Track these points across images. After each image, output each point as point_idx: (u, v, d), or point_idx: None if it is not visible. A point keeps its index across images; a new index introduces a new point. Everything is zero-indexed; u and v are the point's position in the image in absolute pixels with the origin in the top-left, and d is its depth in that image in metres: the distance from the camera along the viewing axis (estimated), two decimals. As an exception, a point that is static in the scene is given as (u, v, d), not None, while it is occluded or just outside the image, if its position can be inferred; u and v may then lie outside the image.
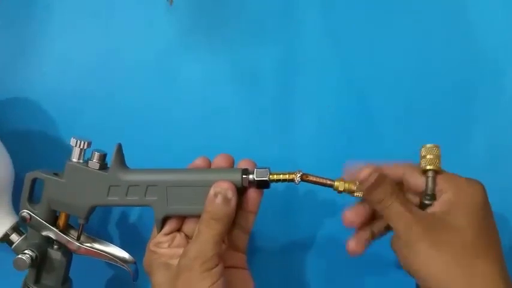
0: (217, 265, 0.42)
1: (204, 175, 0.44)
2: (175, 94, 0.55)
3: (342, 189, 0.43)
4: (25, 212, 0.47)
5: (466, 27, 0.54)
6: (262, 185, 0.44)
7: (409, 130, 0.54)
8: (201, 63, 0.55)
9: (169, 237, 0.46)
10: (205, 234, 0.42)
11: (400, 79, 0.54)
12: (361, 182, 0.42)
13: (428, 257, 0.38)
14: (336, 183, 0.43)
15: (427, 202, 0.41)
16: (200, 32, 0.56)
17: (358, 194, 0.43)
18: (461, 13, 0.54)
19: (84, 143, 0.46)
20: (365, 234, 0.45)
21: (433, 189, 0.41)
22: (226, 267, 0.45)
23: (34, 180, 0.48)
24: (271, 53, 0.55)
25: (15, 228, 0.49)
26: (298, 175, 0.44)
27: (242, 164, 0.46)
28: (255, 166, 0.45)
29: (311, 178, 0.44)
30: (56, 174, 0.47)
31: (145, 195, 0.45)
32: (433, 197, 0.41)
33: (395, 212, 0.40)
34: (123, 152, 0.46)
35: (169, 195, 0.44)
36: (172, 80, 0.55)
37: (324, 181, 0.44)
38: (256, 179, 0.44)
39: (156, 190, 0.44)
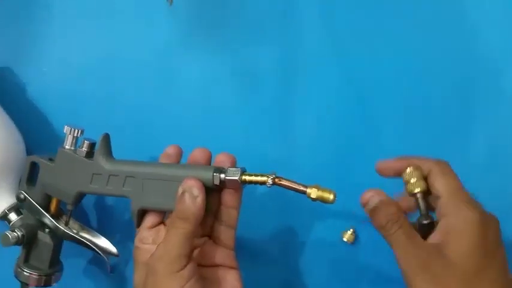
0: (185, 266, 0.40)
1: (176, 170, 0.44)
2: (175, 94, 0.55)
3: (315, 197, 0.41)
4: (21, 193, 0.49)
5: (466, 27, 0.54)
6: (233, 184, 0.43)
7: (408, 130, 0.54)
8: (201, 63, 0.55)
9: (153, 231, 0.45)
10: (171, 233, 0.41)
11: (400, 79, 0.54)
12: (363, 205, 0.41)
13: None
14: (309, 190, 0.41)
15: (424, 222, 0.40)
16: (200, 32, 0.56)
17: (331, 198, 0.41)
18: (461, 13, 0.54)
19: (76, 131, 0.47)
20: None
21: (426, 209, 0.41)
22: (213, 266, 0.44)
23: (33, 164, 0.49)
24: (271, 53, 0.55)
25: (15, 208, 0.51)
26: (270, 178, 0.42)
27: (220, 158, 0.45)
28: (234, 161, 0.45)
29: (283, 182, 0.42)
30: (50, 160, 0.48)
31: (123, 186, 0.45)
32: (428, 217, 0.40)
33: (397, 241, 0.39)
34: (111, 142, 0.46)
35: (145, 187, 0.44)
36: (172, 80, 0.55)
37: (297, 187, 0.42)
38: (226, 178, 0.43)
39: (133, 181, 0.44)
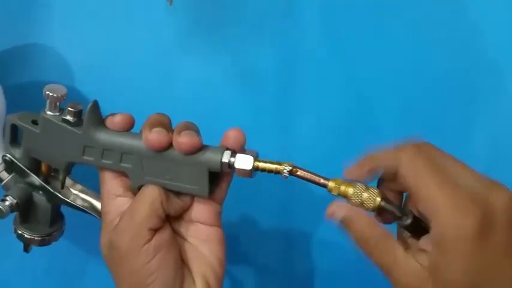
0: (149, 240, 0.37)
1: (178, 153, 0.39)
2: (175, 94, 0.55)
3: (336, 193, 0.36)
4: (7, 156, 0.45)
5: (467, 26, 0.54)
6: (243, 173, 0.38)
7: (409, 130, 0.54)
8: (201, 63, 0.55)
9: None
10: (137, 202, 0.38)
11: (400, 79, 0.54)
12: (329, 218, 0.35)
13: None
14: (331, 184, 0.37)
15: (407, 223, 0.35)
16: (200, 32, 0.56)
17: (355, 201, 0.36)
18: (461, 13, 0.54)
19: (57, 96, 0.41)
20: None
21: (399, 208, 0.36)
22: (195, 222, 0.41)
23: (14, 126, 0.45)
24: (272, 52, 0.55)
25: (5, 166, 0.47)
26: (287, 167, 0.37)
27: (230, 135, 0.39)
28: (244, 140, 0.39)
29: (301, 173, 0.37)
30: (33, 122, 0.43)
31: (120, 161, 0.40)
32: (409, 214, 0.35)
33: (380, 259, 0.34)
34: (100, 110, 0.41)
35: (144, 166, 0.40)
36: (172, 80, 0.55)
37: (316, 179, 0.37)
38: (236, 167, 0.38)
39: (130, 158, 0.40)
